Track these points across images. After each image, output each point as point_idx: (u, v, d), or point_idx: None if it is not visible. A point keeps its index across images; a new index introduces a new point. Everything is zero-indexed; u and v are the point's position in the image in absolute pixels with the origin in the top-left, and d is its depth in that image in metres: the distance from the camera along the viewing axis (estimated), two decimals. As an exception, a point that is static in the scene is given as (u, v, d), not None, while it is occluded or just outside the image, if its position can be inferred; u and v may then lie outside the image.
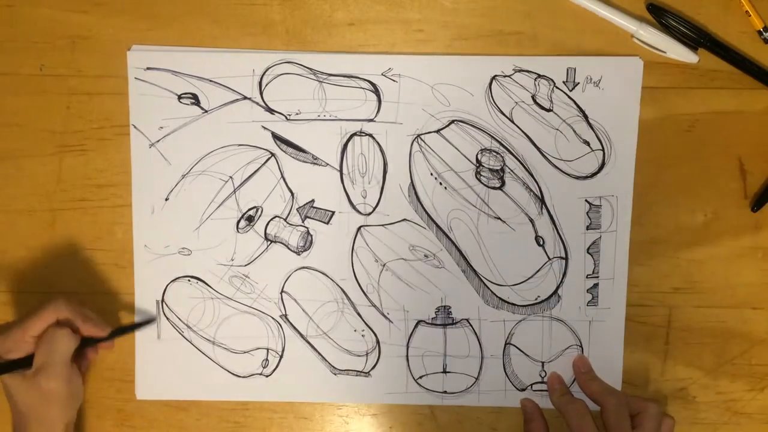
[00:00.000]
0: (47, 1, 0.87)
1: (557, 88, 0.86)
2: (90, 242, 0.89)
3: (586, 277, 0.88)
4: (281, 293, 0.88)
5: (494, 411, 0.90)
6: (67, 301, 0.82)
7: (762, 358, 0.89)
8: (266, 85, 0.86)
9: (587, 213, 0.87)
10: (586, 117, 0.86)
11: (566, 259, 0.88)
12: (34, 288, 0.89)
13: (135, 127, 0.86)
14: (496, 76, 0.86)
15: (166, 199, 0.87)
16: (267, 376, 0.89)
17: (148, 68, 0.86)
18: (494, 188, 0.87)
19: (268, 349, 0.89)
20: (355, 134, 0.87)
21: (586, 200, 0.87)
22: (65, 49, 0.87)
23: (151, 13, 0.87)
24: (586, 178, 0.87)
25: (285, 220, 0.88)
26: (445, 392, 0.89)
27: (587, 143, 0.86)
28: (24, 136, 0.88)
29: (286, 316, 0.88)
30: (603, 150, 0.86)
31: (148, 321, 0.88)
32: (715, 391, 0.90)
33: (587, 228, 0.87)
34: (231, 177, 0.87)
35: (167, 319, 0.89)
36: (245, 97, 0.86)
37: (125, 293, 0.89)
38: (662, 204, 0.88)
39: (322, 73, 0.86)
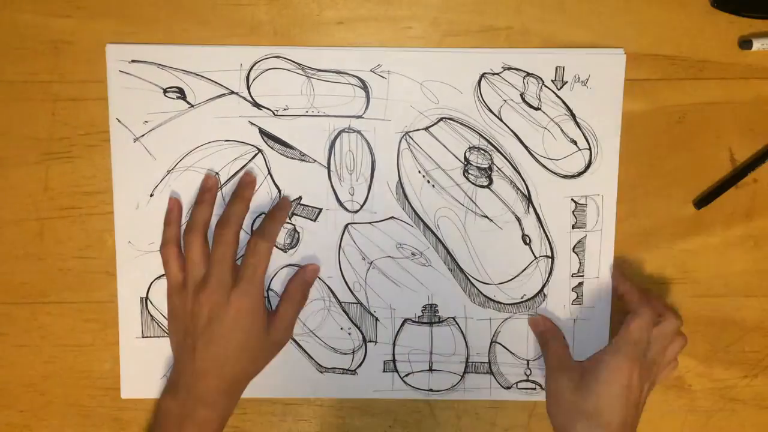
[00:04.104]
0: (28, 6, 0.85)
1: (546, 86, 0.86)
2: (79, 250, 0.88)
3: (572, 276, 0.88)
4: (267, 290, 0.87)
5: (493, 406, 0.91)
6: None
7: (755, 345, 0.91)
8: (254, 79, 0.85)
9: (573, 212, 0.87)
10: (573, 116, 0.86)
11: (552, 258, 0.88)
12: (23, 299, 0.88)
13: (119, 120, 0.85)
14: (485, 73, 0.86)
15: (151, 195, 0.86)
16: (253, 374, 0.89)
17: (133, 61, 0.85)
18: (482, 186, 0.87)
19: (253, 347, 0.88)
20: (343, 131, 0.86)
21: (572, 199, 0.87)
22: (48, 54, 0.85)
23: (135, 15, 0.85)
24: (572, 177, 0.87)
25: (271, 216, 0.87)
26: (430, 390, 0.89)
27: (574, 142, 0.86)
28: (8, 144, 0.86)
29: (272, 313, 0.88)
30: (590, 149, 0.87)
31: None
32: (709, 379, 0.91)
33: (573, 227, 0.88)
34: (217, 173, 0.86)
35: (151, 317, 0.88)
36: (232, 92, 0.85)
37: (116, 301, 0.88)
38: (654, 195, 0.88)
39: (311, 68, 0.85)
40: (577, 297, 0.88)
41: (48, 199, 0.87)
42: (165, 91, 0.85)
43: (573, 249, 0.88)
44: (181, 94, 0.85)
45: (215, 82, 0.85)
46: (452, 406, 0.91)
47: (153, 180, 0.86)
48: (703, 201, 0.88)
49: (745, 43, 0.86)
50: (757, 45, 0.85)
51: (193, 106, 0.85)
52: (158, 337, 0.88)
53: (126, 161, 0.86)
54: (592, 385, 0.80)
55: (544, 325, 0.88)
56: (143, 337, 0.88)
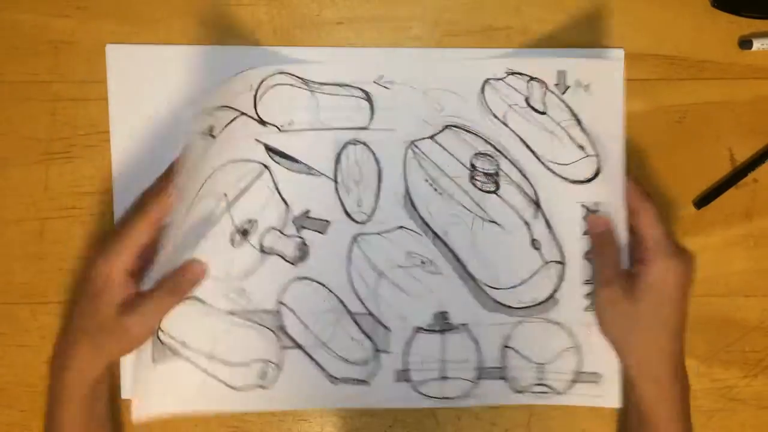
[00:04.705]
0: (28, 6, 0.83)
1: (550, 90, 0.85)
2: (80, 251, 0.87)
3: (584, 283, 0.88)
4: (278, 304, 0.87)
5: (493, 407, 0.92)
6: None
7: (755, 345, 0.92)
8: (260, 97, 0.83)
9: (584, 218, 0.87)
10: (579, 121, 0.86)
11: (563, 263, 0.88)
12: (23, 299, 0.87)
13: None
14: (488, 79, 0.85)
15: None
16: (265, 388, 0.88)
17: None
18: (489, 192, 0.87)
19: (266, 361, 0.88)
20: (348, 143, 0.85)
21: (582, 205, 0.87)
22: (48, 54, 0.84)
23: (135, 15, 0.84)
24: (581, 182, 0.86)
25: (281, 231, 0.86)
26: (444, 398, 0.89)
27: (582, 148, 0.86)
28: (8, 144, 0.85)
29: (283, 327, 0.87)
30: (597, 155, 0.86)
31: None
32: (710, 379, 0.93)
33: (584, 233, 0.87)
34: (225, 194, 0.84)
35: (159, 339, 0.86)
36: (242, 113, 0.83)
37: (116, 304, 0.88)
38: (654, 195, 0.87)
39: (314, 82, 0.84)
40: (590, 304, 0.88)
41: (48, 199, 0.86)
42: None
43: (584, 256, 0.87)
44: None
45: (229, 108, 0.83)
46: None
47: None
48: (703, 201, 0.89)
49: (745, 43, 0.86)
50: (757, 45, 0.86)
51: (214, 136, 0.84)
52: (168, 356, 0.86)
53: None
54: (643, 290, 0.81)
55: (604, 227, 0.85)
56: (153, 358, 0.86)
